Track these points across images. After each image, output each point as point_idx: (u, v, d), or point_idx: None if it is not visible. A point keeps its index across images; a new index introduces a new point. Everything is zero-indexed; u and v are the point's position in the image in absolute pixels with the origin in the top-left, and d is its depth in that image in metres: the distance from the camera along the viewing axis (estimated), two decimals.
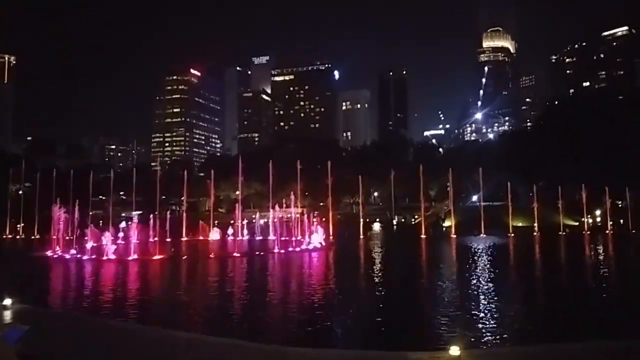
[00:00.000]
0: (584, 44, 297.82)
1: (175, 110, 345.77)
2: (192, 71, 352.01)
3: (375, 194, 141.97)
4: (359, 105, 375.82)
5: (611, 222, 79.71)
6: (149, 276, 35.40)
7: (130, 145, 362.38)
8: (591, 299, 24.82)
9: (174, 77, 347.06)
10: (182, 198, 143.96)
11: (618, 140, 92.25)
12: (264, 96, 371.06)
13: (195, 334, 16.37)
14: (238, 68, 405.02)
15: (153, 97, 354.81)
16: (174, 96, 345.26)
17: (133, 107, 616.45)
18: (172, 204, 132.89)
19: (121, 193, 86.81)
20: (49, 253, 47.03)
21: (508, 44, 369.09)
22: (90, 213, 69.37)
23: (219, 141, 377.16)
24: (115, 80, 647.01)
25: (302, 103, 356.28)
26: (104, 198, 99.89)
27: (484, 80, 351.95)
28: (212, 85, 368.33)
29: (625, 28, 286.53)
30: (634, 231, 74.68)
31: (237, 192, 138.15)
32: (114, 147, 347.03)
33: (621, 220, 79.31)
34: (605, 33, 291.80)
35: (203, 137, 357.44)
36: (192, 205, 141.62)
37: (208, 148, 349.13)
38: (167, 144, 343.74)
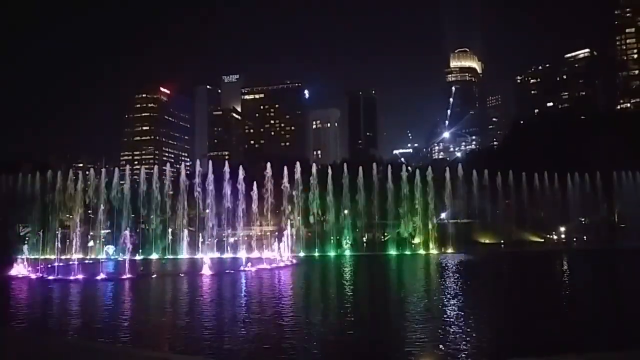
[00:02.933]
0: (548, 65, 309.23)
1: (144, 128, 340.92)
2: (162, 89, 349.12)
3: (346, 211, 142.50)
4: (329, 124, 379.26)
5: (575, 238, 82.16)
6: (108, 296, 34.27)
7: (98, 163, 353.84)
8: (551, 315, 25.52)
9: (144, 96, 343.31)
10: (152, 216, 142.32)
11: (581, 159, 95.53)
12: (234, 114, 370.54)
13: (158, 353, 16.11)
14: (208, 87, 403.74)
15: (122, 116, 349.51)
16: (143, 114, 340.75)
17: (102, 125, 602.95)
18: (142, 222, 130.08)
19: (89, 211, 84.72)
20: (14, 273, 45.31)
21: (475, 64, 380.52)
22: (57, 232, 67.38)
23: (188, 159, 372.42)
24: (84, 98, 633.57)
25: (272, 121, 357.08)
26: (70, 217, 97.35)
27: (451, 99, 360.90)
28: (182, 103, 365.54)
29: (587, 50, 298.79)
30: (596, 247, 76.83)
31: (207, 211, 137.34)
32: (81, 165, 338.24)
33: (584, 237, 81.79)
34: (568, 55, 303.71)
35: (173, 155, 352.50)
36: (163, 222, 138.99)
37: (178, 166, 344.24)
38: (136, 162, 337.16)
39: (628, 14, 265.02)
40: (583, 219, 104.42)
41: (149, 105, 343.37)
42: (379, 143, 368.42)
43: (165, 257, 63.01)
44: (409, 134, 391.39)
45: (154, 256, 63.81)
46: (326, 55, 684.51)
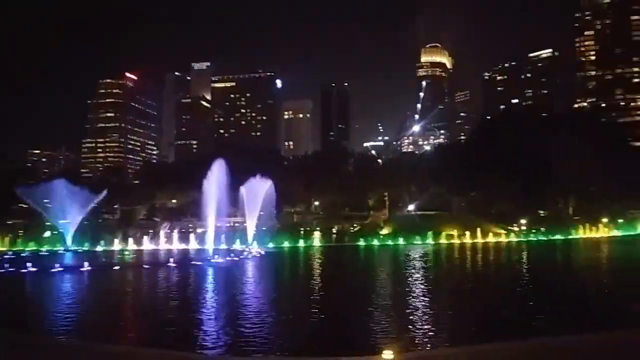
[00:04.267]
0: (514, 63, 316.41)
1: (109, 115, 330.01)
2: (128, 75, 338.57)
3: (316, 203, 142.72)
4: (301, 115, 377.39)
5: (534, 230, 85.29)
6: (55, 289, 32.85)
7: (58, 150, 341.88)
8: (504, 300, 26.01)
9: (109, 81, 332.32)
10: (115, 206, 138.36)
11: (541, 155, 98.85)
12: (204, 103, 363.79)
13: (125, 346, 15.53)
14: (177, 73, 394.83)
15: (85, 101, 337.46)
16: (107, 100, 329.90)
17: (63, 111, 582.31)
18: (104, 212, 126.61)
19: (45, 201, 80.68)
20: None
21: (445, 59, 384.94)
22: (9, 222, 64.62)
23: (155, 148, 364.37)
24: (46, 83, 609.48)
25: (243, 111, 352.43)
26: (26, 206, 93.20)
27: (421, 94, 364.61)
28: (149, 90, 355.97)
29: (549, 50, 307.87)
30: (553, 238, 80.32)
31: (174, 200, 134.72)
32: (38, 152, 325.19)
33: (542, 228, 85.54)
34: (531, 54, 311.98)
35: (139, 144, 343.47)
36: (127, 213, 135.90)
37: (144, 155, 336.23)
38: (99, 150, 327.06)
39: (587, 17, 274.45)
40: (541, 212, 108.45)
41: (114, 91, 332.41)
42: (350, 135, 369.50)
43: (129, 248, 61.18)
44: (380, 127, 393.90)
45: (117, 247, 61.87)
46: (300, 46, 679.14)
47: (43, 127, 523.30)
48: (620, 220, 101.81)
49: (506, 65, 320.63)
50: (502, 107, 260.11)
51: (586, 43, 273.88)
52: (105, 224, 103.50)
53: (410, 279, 35.71)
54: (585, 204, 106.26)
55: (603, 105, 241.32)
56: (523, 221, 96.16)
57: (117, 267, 44.53)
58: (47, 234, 68.00)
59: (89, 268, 40.12)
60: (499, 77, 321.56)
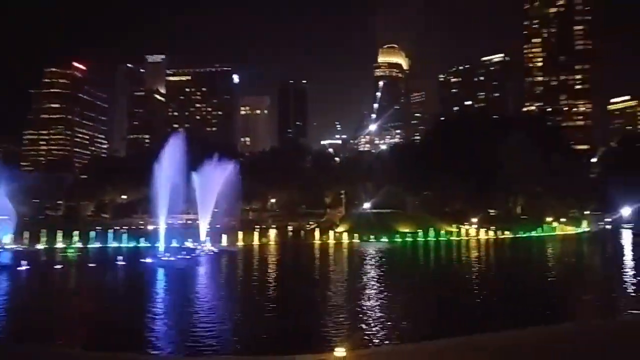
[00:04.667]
0: (468, 66, 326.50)
1: (54, 106, 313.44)
2: (76, 65, 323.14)
3: (273, 200, 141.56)
4: (258, 111, 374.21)
5: (485, 229, 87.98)
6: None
7: None
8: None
9: (55, 70, 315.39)
10: (60, 201, 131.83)
11: (491, 155, 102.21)
12: (158, 96, 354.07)
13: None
14: (130, 65, 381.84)
15: (26, 90, 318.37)
16: (52, 90, 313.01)
17: (3, 100, 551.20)
18: (47, 207, 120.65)
19: None
20: None
21: (402, 60, 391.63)
22: None
23: (105, 142, 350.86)
24: None
25: (198, 105, 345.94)
26: None
27: (378, 94, 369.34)
28: (100, 81, 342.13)
29: (501, 55, 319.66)
30: (502, 236, 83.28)
31: (124, 197, 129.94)
32: None
33: (492, 227, 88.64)
34: (484, 58, 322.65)
35: (87, 137, 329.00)
36: (73, 209, 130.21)
37: (93, 149, 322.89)
38: (42, 142, 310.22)
39: (535, 25, 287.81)
40: (491, 211, 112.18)
41: (60, 80, 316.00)
42: (308, 133, 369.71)
43: (73, 246, 58.24)
44: (338, 125, 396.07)
45: (60, 245, 58.75)
46: (258, 43, 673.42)
47: None
48: (563, 220, 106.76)
49: (460, 68, 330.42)
50: (455, 108, 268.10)
51: (534, 50, 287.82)
52: (49, 220, 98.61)
53: (360, 277, 35.91)
54: (532, 203, 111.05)
55: (549, 109, 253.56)
56: (474, 220, 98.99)
57: (59, 266, 42.12)
58: None
59: (28, 267, 37.78)
60: (453, 79, 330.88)
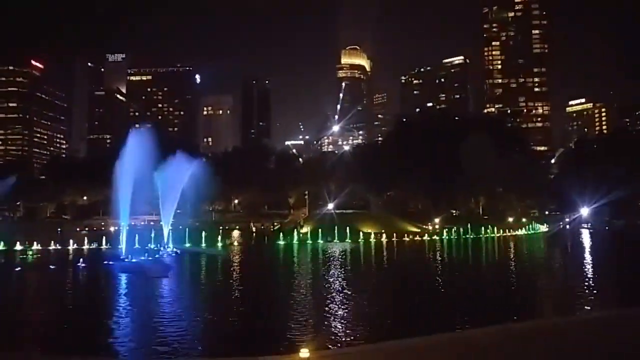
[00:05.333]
0: (429, 68, 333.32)
1: (10, 104, 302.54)
2: (33, 62, 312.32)
3: (236, 201, 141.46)
4: (221, 111, 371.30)
5: (447, 229, 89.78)
6: None
7: None
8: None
9: (10, 68, 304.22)
10: (18, 203, 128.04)
11: (453, 156, 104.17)
12: (119, 96, 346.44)
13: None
14: (90, 64, 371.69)
15: None
16: (9, 89, 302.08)
17: None
18: (4, 209, 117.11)
19: None
20: None
21: (364, 62, 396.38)
22: None
23: (65, 142, 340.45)
24: None
25: (160, 105, 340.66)
26: None
27: (341, 95, 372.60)
28: (58, 80, 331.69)
29: (461, 57, 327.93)
30: (464, 236, 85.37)
31: (85, 197, 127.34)
32: None
33: (454, 228, 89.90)
34: (445, 60, 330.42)
35: (46, 137, 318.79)
36: (32, 210, 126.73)
37: (52, 149, 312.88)
38: None
39: (494, 29, 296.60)
40: (454, 211, 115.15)
41: (17, 79, 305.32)
42: (272, 133, 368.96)
43: (32, 247, 57.44)
44: (301, 126, 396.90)
45: (19, 247, 57.89)
46: (220, 42, 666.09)
47: None
48: (524, 220, 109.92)
49: (422, 70, 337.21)
50: (417, 109, 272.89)
51: (493, 53, 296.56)
52: (7, 222, 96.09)
53: (325, 278, 36.96)
54: (493, 203, 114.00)
55: (509, 111, 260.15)
56: (437, 220, 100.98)
57: (18, 269, 41.93)
58: None
59: None
60: (415, 81, 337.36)
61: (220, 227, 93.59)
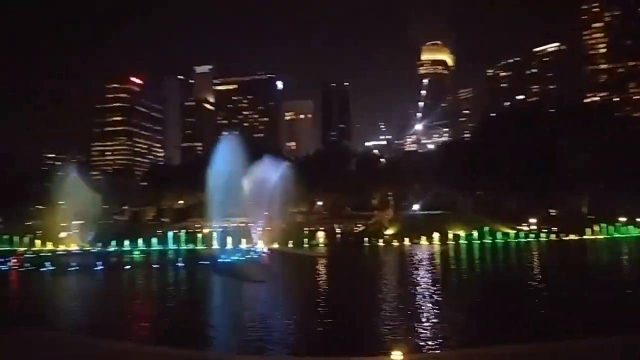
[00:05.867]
0: (518, 58, 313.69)
1: (116, 118, 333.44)
2: (133, 79, 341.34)
3: (319, 203, 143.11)
4: (302, 116, 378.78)
5: (545, 230, 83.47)
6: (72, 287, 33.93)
7: (69, 154, 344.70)
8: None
9: (115, 86, 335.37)
10: (125, 207, 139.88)
11: (549, 151, 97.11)
12: (207, 105, 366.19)
13: (128, 343, 16.23)
14: (180, 77, 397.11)
15: (93, 106, 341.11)
16: (114, 104, 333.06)
17: (71, 116, 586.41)
18: (114, 213, 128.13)
19: (60, 202, 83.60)
20: None
21: (446, 57, 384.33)
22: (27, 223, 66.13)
23: (161, 150, 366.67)
24: (54, 88, 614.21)
25: (245, 112, 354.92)
26: (41, 208, 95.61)
27: (423, 92, 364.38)
28: (154, 94, 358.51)
29: (556, 44, 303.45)
30: (565, 237, 78.48)
31: (181, 202, 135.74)
32: (52, 155, 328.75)
33: (554, 228, 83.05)
34: (537, 49, 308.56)
35: (145, 146, 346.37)
36: (135, 214, 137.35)
37: (150, 157, 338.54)
38: (108, 153, 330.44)
39: (595, 9, 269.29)
40: (552, 211, 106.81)
41: (120, 95, 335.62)
42: (352, 135, 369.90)
43: (139, 248, 62.25)
44: (382, 126, 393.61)
45: (127, 248, 63.02)
46: (299, 47, 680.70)
47: (55, 131, 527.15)
48: (639, 219, 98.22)
49: (510, 61, 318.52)
50: (506, 103, 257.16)
51: (595, 35, 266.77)
52: (116, 224, 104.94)
53: (420, 282, 35.61)
54: (600, 202, 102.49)
55: (616, 99, 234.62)
56: (533, 220, 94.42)
57: (127, 267, 45.56)
58: (63, 234, 69.79)
59: (101, 267, 41.44)
60: (502, 73, 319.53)
61: (305, 229, 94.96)
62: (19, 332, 18.45)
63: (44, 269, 41.26)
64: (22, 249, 47.54)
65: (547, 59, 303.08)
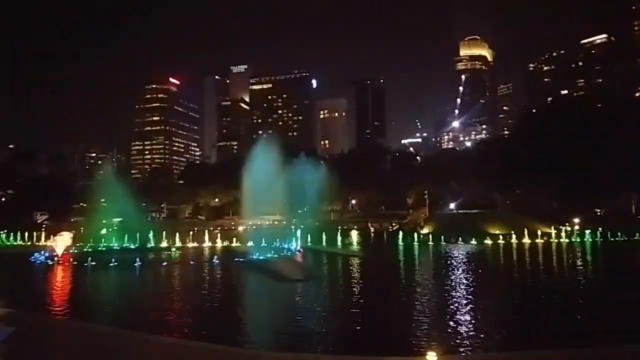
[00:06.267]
0: (562, 52, 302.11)
1: (154, 118, 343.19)
2: (171, 80, 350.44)
3: (353, 201, 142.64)
4: (336, 114, 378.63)
5: (590, 230, 79.82)
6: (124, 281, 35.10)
7: (110, 153, 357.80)
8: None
9: (153, 86, 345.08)
10: (163, 205, 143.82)
11: (595, 149, 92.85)
12: (243, 104, 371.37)
13: (176, 339, 16.29)
14: (216, 77, 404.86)
15: (132, 106, 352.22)
16: (153, 105, 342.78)
17: (113, 116, 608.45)
18: (152, 210, 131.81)
19: (102, 200, 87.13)
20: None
21: (485, 52, 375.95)
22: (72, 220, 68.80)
23: (198, 149, 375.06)
24: (95, 89, 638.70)
25: (280, 111, 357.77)
26: (84, 205, 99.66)
27: (461, 88, 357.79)
28: (191, 94, 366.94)
29: (604, 36, 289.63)
30: (612, 239, 74.90)
31: (217, 200, 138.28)
32: (94, 154, 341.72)
33: (599, 228, 79.18)
34: (584, 41, 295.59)
35: (182, 145, 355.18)
36: (173, 212, 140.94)
37: (187, 156, 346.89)
38: (147, 152, 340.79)
39: None
40: (598, 210, 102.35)
41: (159, 95, 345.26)
42: (387, 132, 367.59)
43: (175, 245, 63.53)
44: (418, 123, 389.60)
45: (164, 245, 64.47)
46: (334, 45, 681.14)
47: (96, 131, 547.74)
48: None
49: (554, 54, 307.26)
50: (549, 99, 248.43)
51: None
52: (154, 222, 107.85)
53: (462, 282, 34.32)
54: None
55: None
56: (576, 220, 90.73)
57: (164, 263, 46.62)
58: (104, 231, 72.28)
59: (140, 263, 42.62)
60: (545, 68, 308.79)
61: (339, 227, 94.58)
62: (71, 324, 18.95)
63: (86, 264, 42.79)
64: (66, 244, 49.32)
65: (594, 51, 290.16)
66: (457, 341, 17.34)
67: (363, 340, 18.08)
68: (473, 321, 21.14)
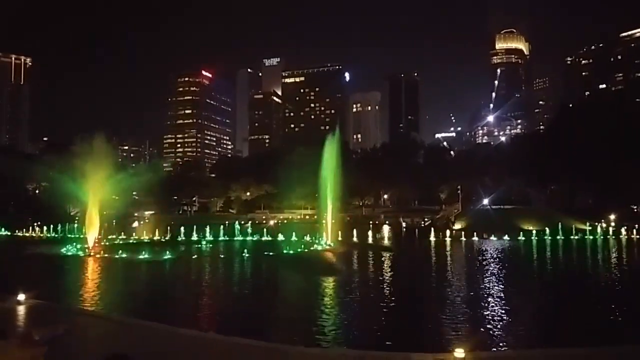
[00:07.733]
0: (601, 45, 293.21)
1: (187, 111, 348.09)
2: (204, 73, 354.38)
3: (385, 196, 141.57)
4: (369, 107, 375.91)
5: (625, 227, 77.20)
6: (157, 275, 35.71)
7: (142, 146, 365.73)
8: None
9: (186, 79, 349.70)
10: (194, 198, 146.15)
11: (633, 145, 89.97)
12: (275, 98, 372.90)
13: (196, 331, 16.42)
14: (249, 70, 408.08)
15: (165, 99, 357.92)
16: (185, 98, 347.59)
17: (146, 108, 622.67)
18: (183, 204, 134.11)
19: (134, 193, 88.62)
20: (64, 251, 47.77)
21: (522, 45, 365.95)
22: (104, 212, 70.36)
23: (230, 143, 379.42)
24: (128, 81, 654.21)
25: (312, 105, 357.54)
26: (117, 198, 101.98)
27: (496, 82, 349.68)
28: (223, 87, 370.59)
29: None
30: None
31: (248, 193, 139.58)
32: (127, 147, 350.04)
33: (636, 225, 76.47)
34: (623, 34, 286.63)
35: (214, 139, 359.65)
36: (204, 205, 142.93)
37: (219, 149, 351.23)
38: (179, 145, 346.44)
39: None
40: (635, 207, 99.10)
41: (191, 88, 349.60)
42: (420, 126, 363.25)
43: (205, 239, 64.25)
44: (452, 117, 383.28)
45: (195, 238, 65.31)
46: (367, 38, 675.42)
47: (129, 124, 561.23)
48: None
49: (592, 47, 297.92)
50: (587, 93, 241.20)
51: None
52: (185, 215, 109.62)
53: (499, 279, 33.78)
54: None
55: None
56: (612, 217, 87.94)
57: (194, 256, 47.03)
58: (135, 224, 73.78)
59: (170, 257, 43.16)
60: (583, 61, 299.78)
61: (370, 222, 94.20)
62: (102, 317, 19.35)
63: (117, 256, 43.53)
64: (97, 236, 50.17)
65: (633, 44, 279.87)
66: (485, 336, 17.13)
67: (396, 337, 17.86)
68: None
